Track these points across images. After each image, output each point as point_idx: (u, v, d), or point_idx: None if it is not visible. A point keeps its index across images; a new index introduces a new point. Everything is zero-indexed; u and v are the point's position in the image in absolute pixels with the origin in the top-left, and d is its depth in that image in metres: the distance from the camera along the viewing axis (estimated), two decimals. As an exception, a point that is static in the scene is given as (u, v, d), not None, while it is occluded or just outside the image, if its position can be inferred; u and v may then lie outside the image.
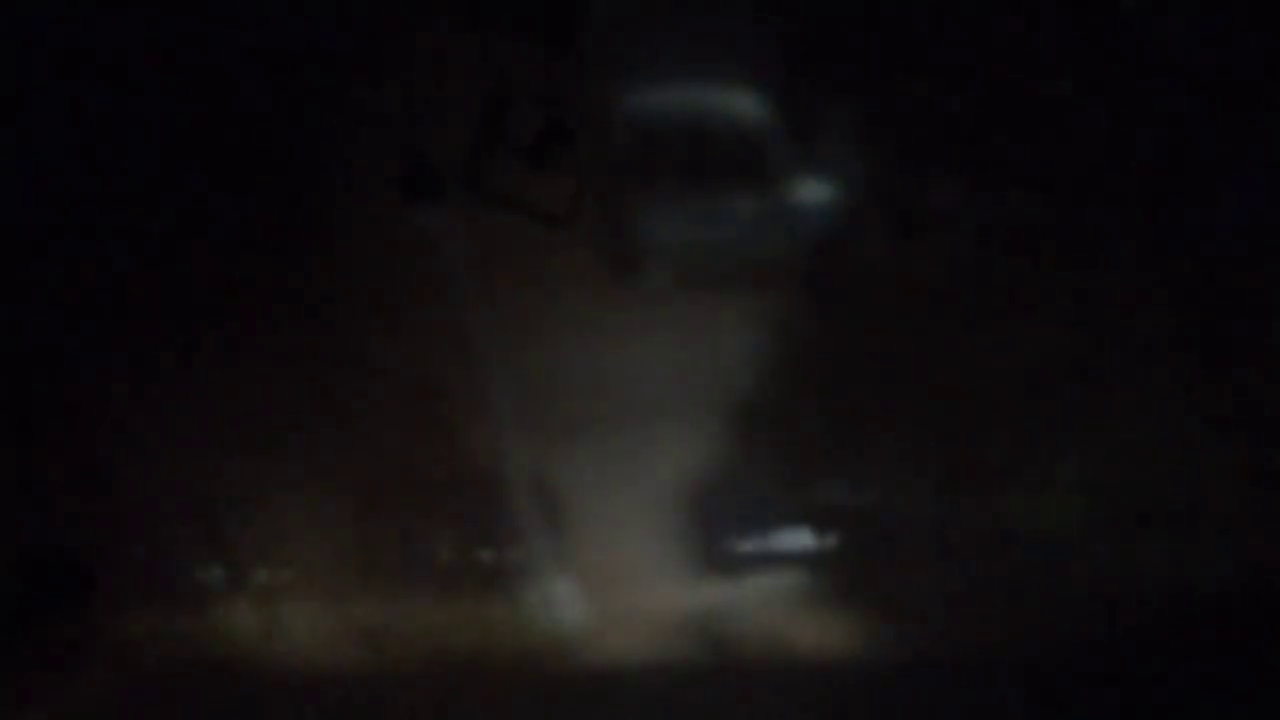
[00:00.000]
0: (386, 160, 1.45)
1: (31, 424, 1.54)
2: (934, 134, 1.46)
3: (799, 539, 1.56)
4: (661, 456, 1.54)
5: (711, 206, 1.49)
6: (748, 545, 1.57)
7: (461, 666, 1.55)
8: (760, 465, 1.55)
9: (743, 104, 1.46)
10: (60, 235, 1.49)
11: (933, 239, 1.48)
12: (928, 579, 1.54)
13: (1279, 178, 1.44)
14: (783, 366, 1.51)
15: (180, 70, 1.44)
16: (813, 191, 1.48)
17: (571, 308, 1.51)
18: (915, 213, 1.46)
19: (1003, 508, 1.53)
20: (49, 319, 1.51)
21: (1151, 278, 1.47)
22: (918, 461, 1.53)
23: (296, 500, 1.54)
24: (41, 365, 1.52)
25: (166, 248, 1.49)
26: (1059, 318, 1.49)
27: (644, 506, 1.55)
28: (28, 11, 1.43)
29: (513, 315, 1.50)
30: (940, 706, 1.53)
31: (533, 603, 1.56)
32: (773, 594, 1.56)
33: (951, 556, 1.53)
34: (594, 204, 1.47)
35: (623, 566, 1.56)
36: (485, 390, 1.52)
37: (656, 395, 1.52)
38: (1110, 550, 1.52)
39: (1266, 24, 1.39)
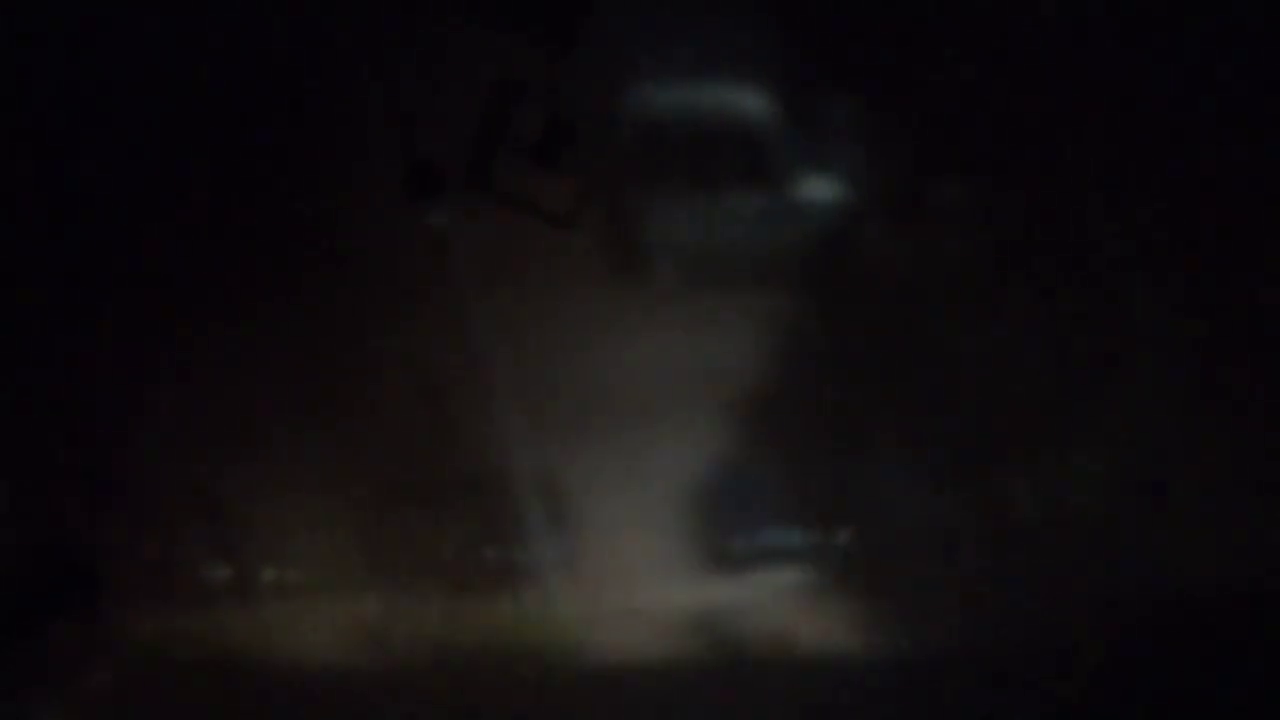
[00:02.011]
0: (389, 159, 1.45)
1: (35, 423, 1.54)
2: (940, 131, 1.46)
3: (805, 535, 1.56)
4: (667, 454, 1.53)
5: (716, 205, 1.49)
6: (755, 542, 1.57)
7: (467, 664, 1.55)
8: (767, 462, 1.55)
9: (747, 102, 1.46)
10: (60, 233, 1.49)
11: (938, 234, 1.48)
12: (935, 574, 1.54)
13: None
14: (788, 363, 1.51)
15: (178, 68, 1.44)
16: (817, 189, 1.48)
17: (575, 306, 1.51)
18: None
19: (1010, 500, 1.53)
20: (51, 317, 1.51)
21: (1159, 265, 1.47)
22: (924, 457, 1.53)
23: (302, 499, 1.55)
24: (44, 364, 1.52)
25: (167, 246, 1.49)
26: (1065, 308, 1.49)
27: (649, 504, 1.55)
28: (26, 7, 1.43)
29: (517, 313, 1.50)
30: (949, 704, 1.53)
31: (538, 601, 1.56)
32: (780, 591, 1.56)
33: (959, 551, 1.53)
34: (598, 203, 1.47)
35: (628, 564, 1.55)
36: (490, 388, 1.52)
37: (661, 393, 1.52)
38: (1124, 542, 1.51)
39: (1271, 23, 1.39)
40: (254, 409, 1.52)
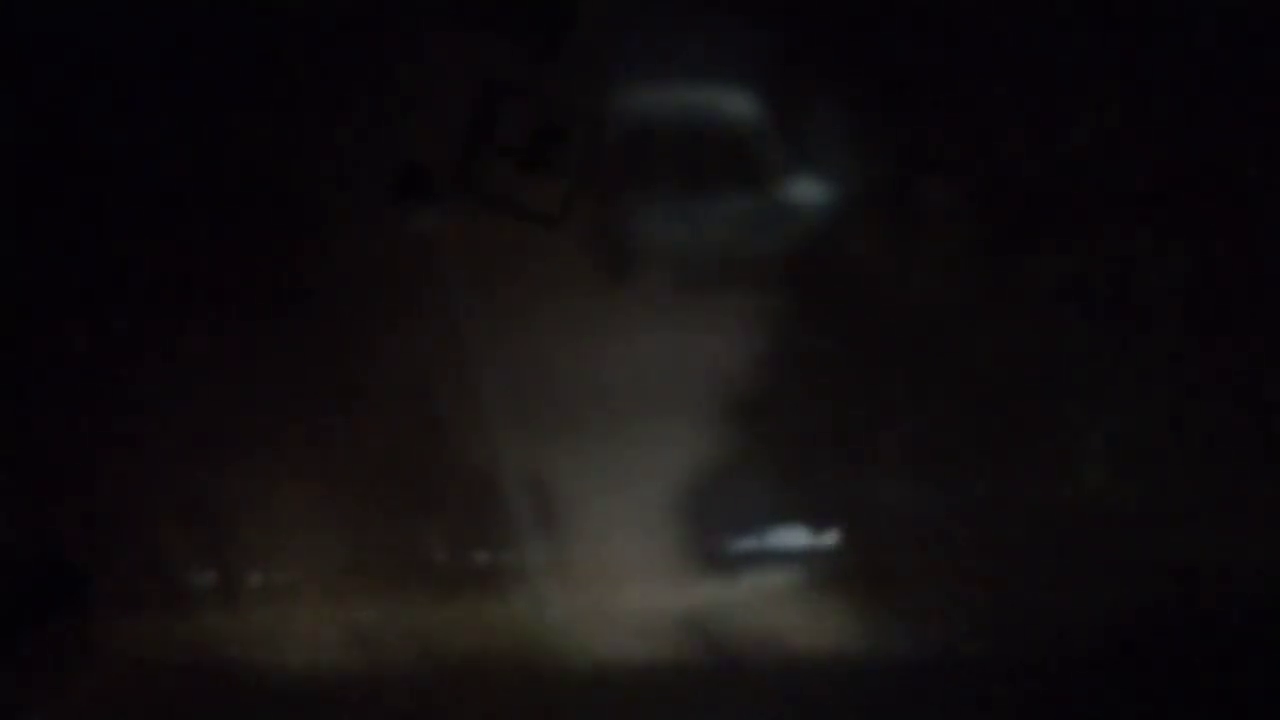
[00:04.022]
0: (379, 161, 1.45)
1: (24, 426, 1.54)
2: (927, 132, 1.46)
3: (797, 536, 1.56)
4: (657, 455, 1.53)
5: (704, 206, 1.49)
6: (745, 543, 1.57)
7: (456, 667, 1.55)
8: (756, 462, 1.54)
9: (735, 104, 1.46)
10: (53, 234, 1.49)
11: (925, 234, 1.48)
12: (927, 574, 1.54)
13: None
14: (777, 363, 1.51)
15: (169, 69, 1.45)
16: (805, 191, 1.48)
17: (565, 308, 1.51)
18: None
19: (1004, 500, 1.53)
20: (42, 319, 1.51)
21: (1153, 260, 1.47)
22: (916, 456, 1.53)
23: (290, 503, 1.54)
24: (33, 367, 1.52)
25: (158, 249, 1.49)
26: (1058, 306, 1.49)
27: (639, 505, 1.54)
28: (21, 7, 1.44)
29: (506, 316, 1.50)
30: (945, 706, 1.53)
31: (527, 603, 1.56)
32: (771, 592, 1.56)
33: (951, 551, 1.53)
34: (586, 204, 1.47)
35: (618, 566, 1.55)
36: (479, 391, 1.52)
37: (651, 394, 1.52)
38: (1121, 541, 1.51)
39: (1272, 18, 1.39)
40: (242, 413, 1.52)
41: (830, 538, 1.55)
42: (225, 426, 1.53)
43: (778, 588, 1.55)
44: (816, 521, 1.55)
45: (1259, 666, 1.49)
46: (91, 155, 1.47)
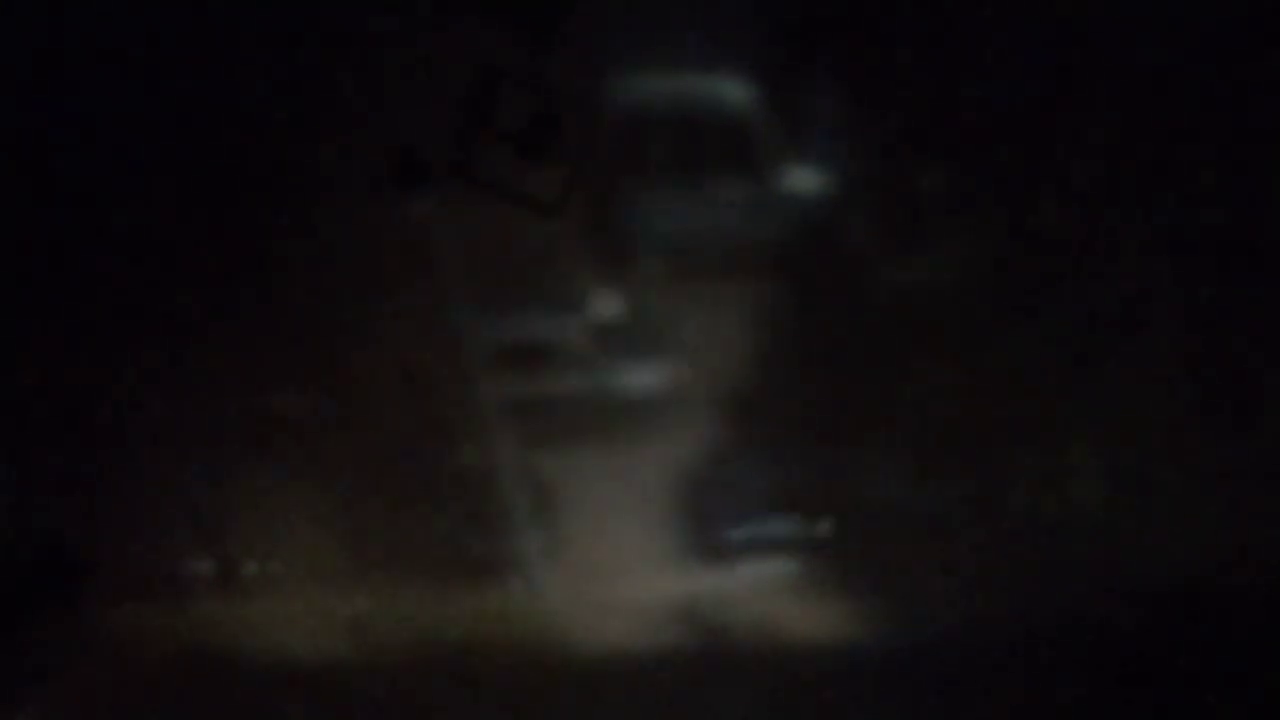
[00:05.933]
0: (375, 149, 1.44)
1: (20, 417, 1.53)
2: (928, 121, 1.45)
3: (792, 526, 1.56)
4: (652, 445, 1.53)
5: (702, 194, 1.48)
6: (740, 533, 1.57)
7: (452, 657, 1.55)
8: (753, 452, 1.54)
9: (734, 91, 1.45)
10: (49, 229, 1.48)
11: (925, 224, 1.48)
12: (923, 565, 1.54)
13: None
14: (774, 352, 1.51)
15: (160, 58, 1.43)
16: (804, 179, 1.48)
17: (560, 296, 1.50)
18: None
19: (1001, 490, 1.53)
20: (38, 312, 1.50)
21: (1155, 255, 1.47)
22: (913, 447, 1.53)
23: (288, 492, 1.54)
24: (31, 359, 1.51)
25: (155, 241, 1.48)
26: (1057, 298, 1.48)
27: (635, 496, 1.54)
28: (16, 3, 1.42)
29: (500, 303, 1.50)
30: (937, 694, 1.54)
31: (523, 593, 1.56)
32: (767, 582, 1.56)
33: (947, 542, 1.53)
34: (584, 192, 1.46)
35: (615, 556, 1.55)
36: (473, 379, 1.51)
37: (647, 383, 1.52)
38: (1119, 533, 1.51)
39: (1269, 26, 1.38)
40: (236, 402, 1.51)
41: (828, 528, 1.55)
42: (219, 416, 1.52)
43: (776, 578, 1.56)
44: (814, 511, 1.55)
45: (1256, 669, 1.50)
46: (82, 155, 1.45)
